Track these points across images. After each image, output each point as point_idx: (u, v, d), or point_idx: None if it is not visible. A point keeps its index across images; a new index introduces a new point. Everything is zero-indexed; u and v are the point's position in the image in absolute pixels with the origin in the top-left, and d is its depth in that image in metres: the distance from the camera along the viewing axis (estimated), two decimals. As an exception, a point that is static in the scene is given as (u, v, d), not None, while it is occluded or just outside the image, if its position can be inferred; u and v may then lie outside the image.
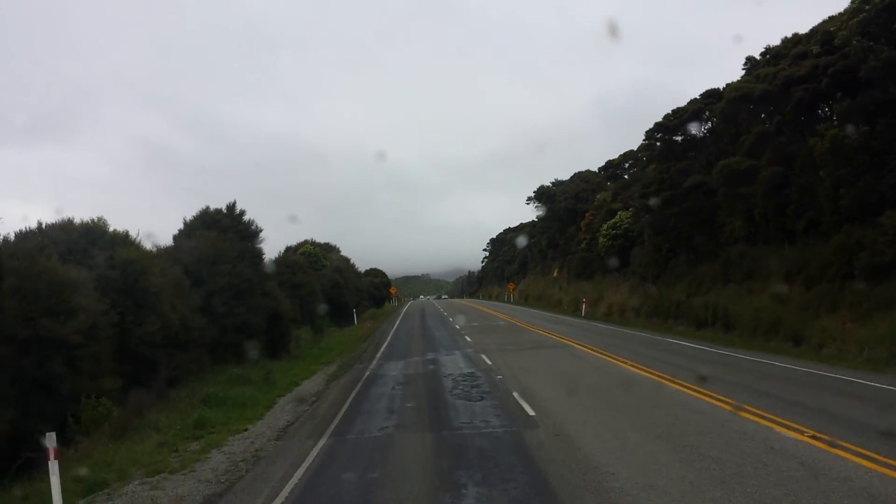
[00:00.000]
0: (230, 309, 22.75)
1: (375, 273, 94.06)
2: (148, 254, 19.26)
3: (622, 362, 18.25)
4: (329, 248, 64.85)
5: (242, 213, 25.90)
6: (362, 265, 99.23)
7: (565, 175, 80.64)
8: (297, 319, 36.98)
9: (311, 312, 39.63)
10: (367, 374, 19.12)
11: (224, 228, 24.99)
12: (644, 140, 38.16)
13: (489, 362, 19.77)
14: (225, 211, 25.81)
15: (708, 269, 33.66)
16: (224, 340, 22.49)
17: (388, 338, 31.53)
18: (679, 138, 38.44)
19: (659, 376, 15.15)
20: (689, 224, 36.33)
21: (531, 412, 12.25)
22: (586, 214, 56.64)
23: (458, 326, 35.62)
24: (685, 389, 13.34)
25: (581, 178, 71.98)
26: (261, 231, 26.11)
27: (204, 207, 25.56)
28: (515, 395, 14.05)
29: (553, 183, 78.74)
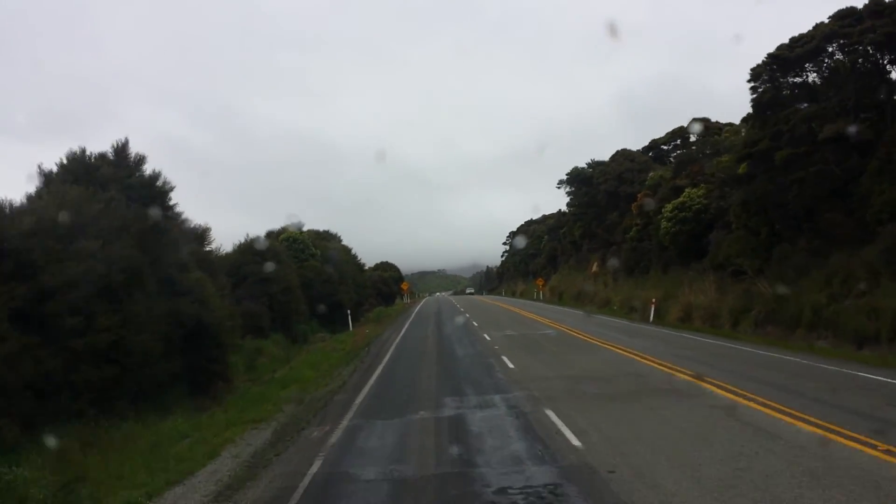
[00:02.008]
0: (88, 321, 12.57)
1: (385, 267, 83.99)
2: None
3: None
4: (327, 237, 54.84)
5: (141, 160, 15.77)
6: (378, 260, 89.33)
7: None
8: (262, 327, 26.94)
9: (287, 316, 29.52)
10: (312, 470, 8.82)
11: (103, 182, 14.83)
12: (749, 81, 27.41)
13: (574, 440, 9.43)
14: (112, 157, 15.64)
15: (854, 260, 23.06)
16: (77, 379, 12.32)
17: (387, 357, 21.27)
18: (790, 80, 27.77)
19: None
20: (810, 195, 25.79)
21: None
22: (638, 196, 46.00)
23: (487, 337, 25.32)
24: None
25: (624, 156, 61.24)
26: (171, 190, 15.98)
27: (76, 150, 15.39)
28: None
29: (589, 164, 68.05)
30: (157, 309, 14.07)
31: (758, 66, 27.51)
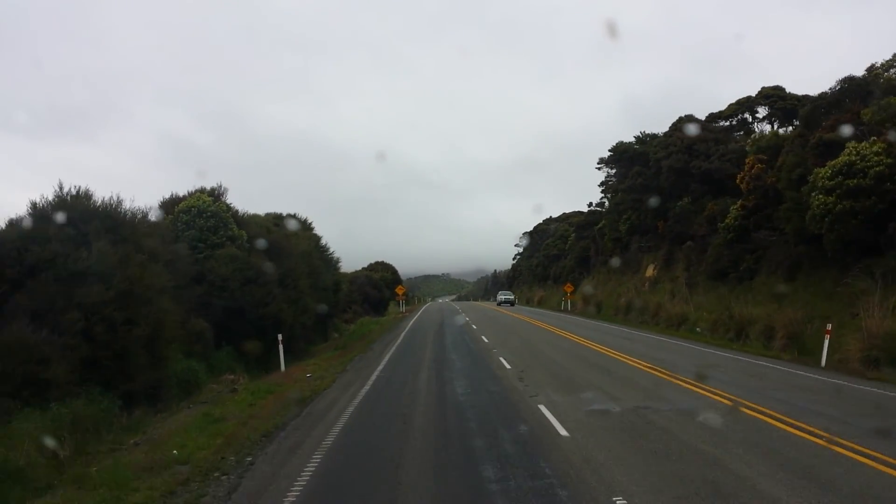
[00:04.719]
0: None
1: (376, 267, 69.01)
2: None
3: None
4: (295, 220, 39.95)
5: None
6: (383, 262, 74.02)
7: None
8: (49, 382, 12.01)
9: (127, 353, 14.47)
10: None
11: None
12: None
13: None
14: None
15: None
16: None
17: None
18: None
19: None
20: None
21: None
22: (747, 160, 30.98)
23: (560, 427, 10.32)
24: None
25: (691, 123, 46.29)
26: None
27: None
28: None
29: (639, 138, 53.10)
30: None
31: None
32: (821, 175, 23.62)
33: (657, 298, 40.07)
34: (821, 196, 23.28)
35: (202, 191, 22.94)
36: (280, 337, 18.83)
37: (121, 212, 15.44)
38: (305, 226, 41.45)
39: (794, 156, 26.88)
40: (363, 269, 70.79)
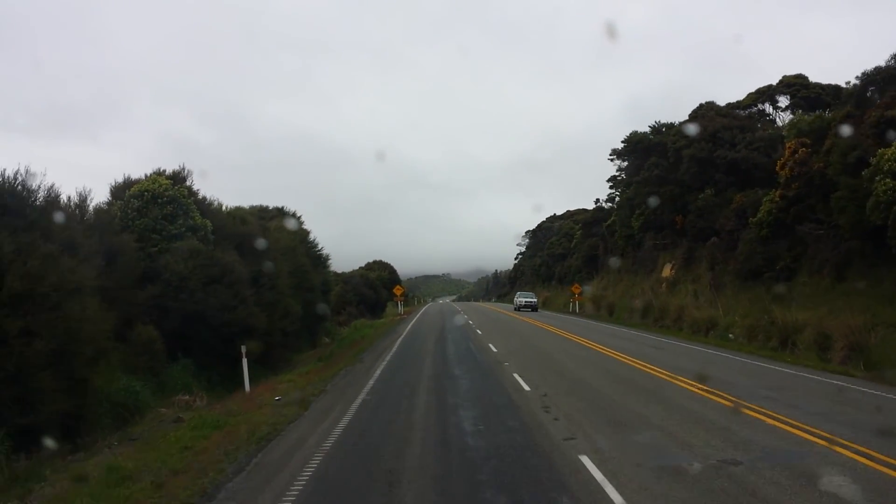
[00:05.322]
0: None
1: (373, 266, 65.45)
2: None
3: None
4: (278, 215, 36.56)
5: None
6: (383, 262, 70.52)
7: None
8: None
9: (42, 372, 10.94)
10: None
11: None
12: None
13: None
14: None
15: None
16: None
17: None
18: None
19: None
20: None
21: None
22: (787, 145, 27.47)
23: None
24: None
25: (716, 111, 42.95)
26: None
27: None
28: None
29: (654, 128, 49.57)
30: None
31: None
32: (886, 157, 20.22)
33: (678, 301, 36.59)
34: (888, 180, 19.85)
35: (160, 173, 19.42)
36: (244, 350, 15.36)
37: (31, 191, 11.95)
38: (294, 220, 38.06)
39: (847, 137, 23.45)
40: (359, 268, 67.39)
